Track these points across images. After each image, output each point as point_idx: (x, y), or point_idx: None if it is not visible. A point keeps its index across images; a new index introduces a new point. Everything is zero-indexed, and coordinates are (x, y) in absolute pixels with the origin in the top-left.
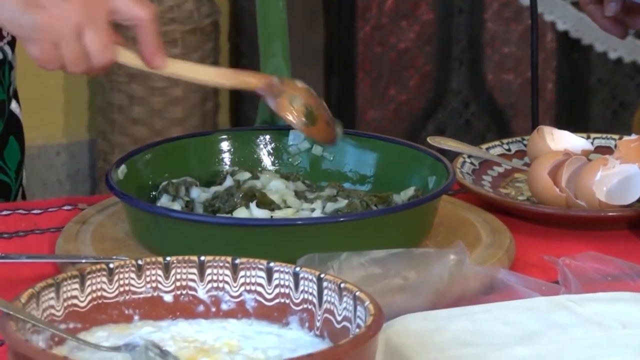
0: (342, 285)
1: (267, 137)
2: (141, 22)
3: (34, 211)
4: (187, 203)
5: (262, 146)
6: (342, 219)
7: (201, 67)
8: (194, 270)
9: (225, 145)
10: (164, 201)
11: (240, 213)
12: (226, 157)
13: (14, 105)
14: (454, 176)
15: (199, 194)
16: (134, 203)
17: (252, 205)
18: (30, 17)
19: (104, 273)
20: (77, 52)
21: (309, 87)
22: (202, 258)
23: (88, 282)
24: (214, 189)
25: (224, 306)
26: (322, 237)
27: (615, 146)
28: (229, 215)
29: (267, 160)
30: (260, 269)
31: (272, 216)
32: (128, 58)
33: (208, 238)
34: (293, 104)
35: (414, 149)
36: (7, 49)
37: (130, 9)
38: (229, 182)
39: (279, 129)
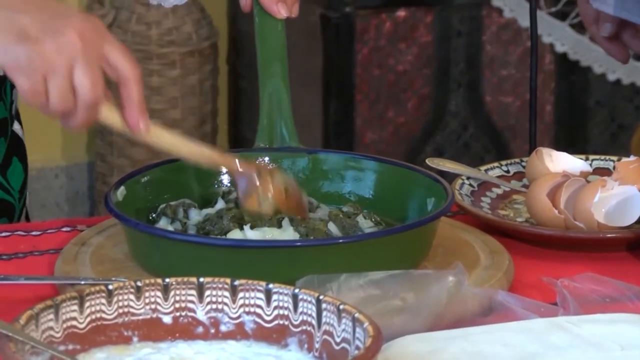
0: (341, 306)
1: (266, 158)
2: (127, 79)
3: (33, 233)
4: (183, 225)
5: None
6: (340, 241)
7: (184, 142)
8: (193, 292)
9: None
10: (163, 224)
11: (234, 235)
12: (225, 179)
13: (16, 127)
14: (453, 198)
15: (195, 215)
16: (133, 225)
17: (246, 227)
18: (26, 49)
19: (103, 294)
20: (64, 86)
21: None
22: (201, 279)
23: (87, 304)
24: (205, 211)
25: (223, 327)
26: (321, 258)
27: (614, 168)
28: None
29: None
30: (259, 291)
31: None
32: (110, 117)
33: (207, 260)
34: (273, 184)
35: (412, 170)
36: None
37: (120, 61)
38: (220, 204)
39: (278, 151)
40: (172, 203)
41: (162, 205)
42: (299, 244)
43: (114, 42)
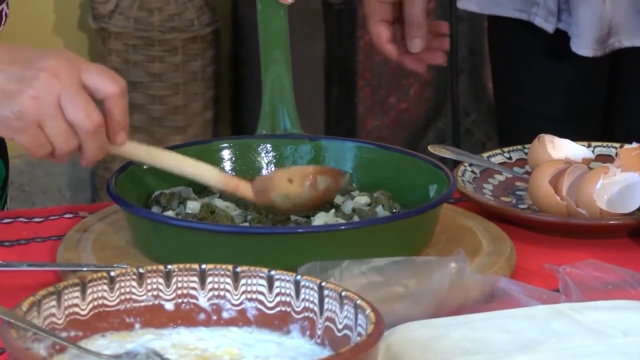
0: (343, 293)
1: (268, 145)
2: (109, 96)
3: (35, 219)
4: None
5: (263, 155)
6: (342, 228)
7: (192, 162)
8: (195, 279)
9: (226, 154)
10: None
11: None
12: (227, 166)
13: None
14: (455, 184)
15: (194, 205)
16: (134, 211)
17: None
18: (10, 107)
19: (105, 281)
20: (62, 127)
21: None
22: (203, 266)
23: (89, 290)
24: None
25: (225, 314)
26: (323, 245)
27: (616, 154)
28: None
29: (268, 169)
30: (261, 277)
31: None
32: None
33: (209, 246)
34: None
35: (414, 157)
36: None
37: (99, 82)
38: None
39: (280, 138)
40: (167, 192)
41: (156, 193)
42: (300, 230)
43: (89, 66)
